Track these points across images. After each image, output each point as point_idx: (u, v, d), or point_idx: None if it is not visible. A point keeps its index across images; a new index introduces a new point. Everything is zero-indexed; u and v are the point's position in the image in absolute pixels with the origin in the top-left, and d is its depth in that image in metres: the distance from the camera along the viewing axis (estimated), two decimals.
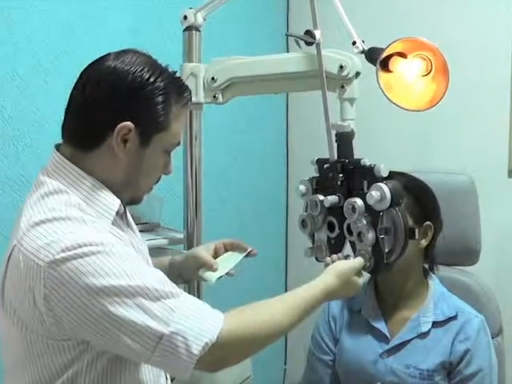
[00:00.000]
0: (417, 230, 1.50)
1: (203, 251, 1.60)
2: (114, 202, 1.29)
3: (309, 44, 1.51)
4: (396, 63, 1.55)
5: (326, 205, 1.52)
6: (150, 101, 1.27)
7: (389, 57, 1.55)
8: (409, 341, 1.68)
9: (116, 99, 1.25)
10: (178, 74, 1.35)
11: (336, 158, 1.54)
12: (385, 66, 1.55)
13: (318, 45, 1.50)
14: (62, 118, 1.96)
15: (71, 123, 1.30)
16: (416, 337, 1.68)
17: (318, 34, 1.48)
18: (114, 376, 1.26)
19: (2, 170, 1.87)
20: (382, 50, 1.53)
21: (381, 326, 1.72)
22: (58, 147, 1.31)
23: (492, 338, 1.77)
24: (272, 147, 3.01)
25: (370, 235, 1.47)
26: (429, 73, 1.55)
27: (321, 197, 1.55)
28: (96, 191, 1.27)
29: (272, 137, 3.01)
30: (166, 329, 1.14)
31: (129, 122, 1.24)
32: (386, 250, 1.46)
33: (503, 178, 2.44)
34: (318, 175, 1.60)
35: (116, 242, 1.21)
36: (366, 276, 1.50)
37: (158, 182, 1.38)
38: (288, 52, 2.84)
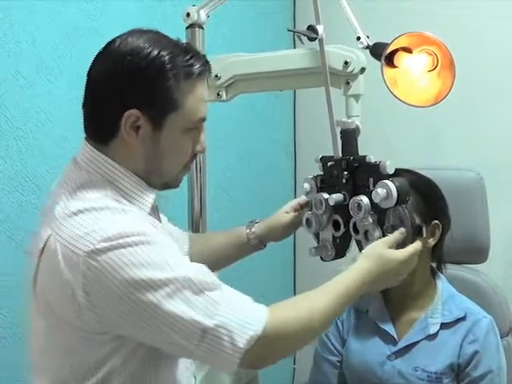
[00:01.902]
0: (424, 229, 1.48)
1: (286, 216, 1.65)
2: (150, 194, 1.27)
3: (312, 39, 1.49)
4: (401, 58, 1.53)
5: (331, 203, 1.50)
6: (152, 82, 1.21)
7: (394, 52, 1.53)
8: (417, 343, 1.65)
9: (116, 87, 1.21)
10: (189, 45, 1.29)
11: (340, 155, 1.52)
12: (390, 61, 1.53)
13: (320, 40, 1.47)
14: (66, 117, 1.98)
15: (84, 117, 1.28)
16: (424, 338, 1.65)
17: (320, 29, 1.45)
18: (149, 374, 1.23)
19: (6, 170, 1.85)
20: (387, 45, 1.51)
21: (388, 327, 1.69)
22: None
23: (501, 337, 1.74)
24: (280, 146, 2.99)
25: (377, 234, 1.44)
26: (435, 68, 1.53)
27: (325, 195, 1.53)
28: (130, 183, 1.24)
29: (280, 135, 2.99)
30: (210, 322, 1.12)
31: (134, 110, 1.20)
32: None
33: None
34: (322, 173, 1.58)
35: (156, 231, 1.18)
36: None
37: (192, 160, 1.34)
38: (294, 48, 2.83)
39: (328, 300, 1.26)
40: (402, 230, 1.41)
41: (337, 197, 1.50)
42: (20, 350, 1.81)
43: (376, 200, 1.41)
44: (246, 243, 1.66)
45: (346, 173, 1.50)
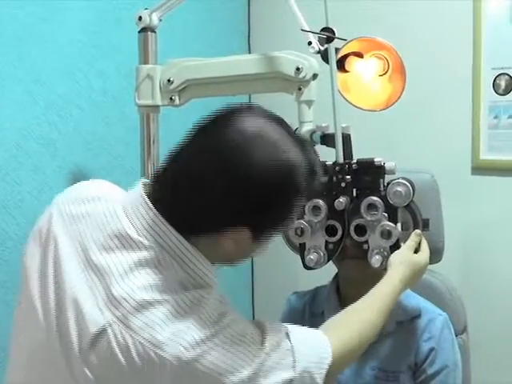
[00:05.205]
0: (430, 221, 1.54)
1: None
2: (214, 273, 1.19)
3: (330, 40, 1.51)
4: (352, 63, 1.55)
5: (339, 207, 1.50)
6: (274, 210, 1.14)
7: (345, 57, 1.54)
8: (373, 342, 1.65)
9: (235, 203, 1.09)
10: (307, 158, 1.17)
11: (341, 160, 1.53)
12: (341, 66, 1.55)
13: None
14: (20, 123, 1.94)
15: (173, 201, 1.13)
16: (380, 338, 1.64)
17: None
18: None
19: None
20: (338, 49, 1.52)
21: None
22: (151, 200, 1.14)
23: (456, 335, 1.76)
24: None
25: (397, 231, 1.49)
26: (386, 72, 1.55)
27: (320, 201, 1.53)
28: (202, 268, 1.15)
29: None
30: (295, 372, 1.13)
31: (244, 229, 1.11)
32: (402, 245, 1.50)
33: (466, 176, 2.45)
34: None
35: (230, 317, 1.13)
36: None
37: None
38: (250, 52, 2.83)
39: (373, 311, 1.35)
40: (418, 231, 1.52)
41: (344, 200, 1.50)
42: None
43: (396, 199, 1.49)
44: None
45: (348, 177, 1.52)
